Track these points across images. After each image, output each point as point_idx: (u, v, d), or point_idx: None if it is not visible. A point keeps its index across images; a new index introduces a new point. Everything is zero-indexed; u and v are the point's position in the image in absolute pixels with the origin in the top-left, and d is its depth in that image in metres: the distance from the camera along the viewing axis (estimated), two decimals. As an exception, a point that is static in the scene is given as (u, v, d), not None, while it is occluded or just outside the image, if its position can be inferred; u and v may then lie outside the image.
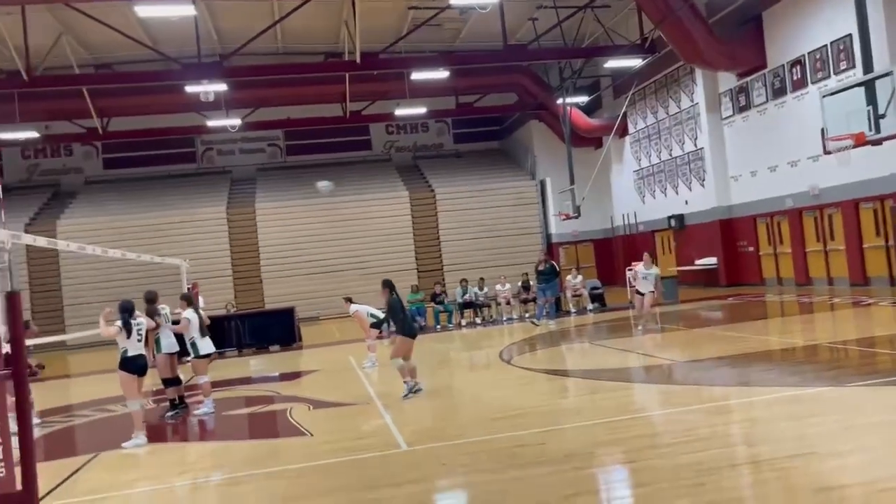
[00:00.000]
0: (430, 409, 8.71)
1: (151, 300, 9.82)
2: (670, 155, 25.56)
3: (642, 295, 14.03)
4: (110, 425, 9.80)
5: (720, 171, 22.95)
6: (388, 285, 9.79)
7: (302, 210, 30.03)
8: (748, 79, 21.36)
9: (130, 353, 8.32)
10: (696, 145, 23.90)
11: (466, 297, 20.33)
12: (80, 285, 27.20)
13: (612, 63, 24.61)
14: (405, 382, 9.25)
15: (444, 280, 25.99)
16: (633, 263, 22.88)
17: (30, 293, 26.36)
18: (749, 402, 7.61)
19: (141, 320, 8.68)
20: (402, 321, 9.60)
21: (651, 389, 8.89)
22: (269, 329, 18.93)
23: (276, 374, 13.99)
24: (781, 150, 20.10)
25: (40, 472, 5.59)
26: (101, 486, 6.66)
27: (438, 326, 19.64)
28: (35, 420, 6.73)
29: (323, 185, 9.89)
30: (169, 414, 9.76)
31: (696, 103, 23.56)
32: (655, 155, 26.67)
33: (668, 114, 25.44)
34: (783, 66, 19.88)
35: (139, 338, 8.44)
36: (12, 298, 5.29)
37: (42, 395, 12.87)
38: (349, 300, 13.88)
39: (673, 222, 25.14)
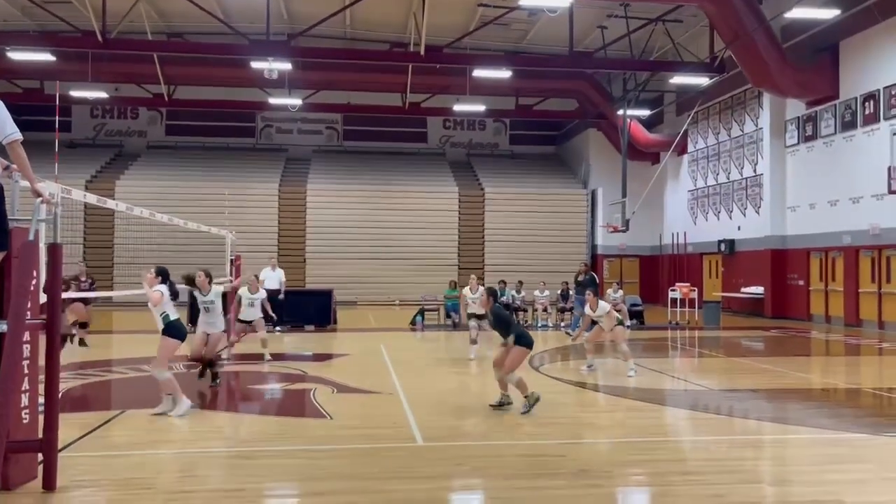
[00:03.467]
0: (451, 408, 8.65)
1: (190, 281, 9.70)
2: (728, 178, 24.99)
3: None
4: (141, 384, 10.00)
5: (778, 199, 22.34)
6: (492, 293, 8.62)
7: (352, 195, 30.26)
8: (818, 108, 20.73)
9: (173, 318, 8.02)
10: (755, 171, 23.31)
11: (503, 298, 20.17)
12: (130, 245, 27.85)
13: (679, 79, 24.17)
14: (525, 397, 8.04)
15: (483, 280, 25.91)
16: (676, 284, 22.53)
17: (83, 248, 27.15)
18: (781, 439, 7.36)
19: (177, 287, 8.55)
20: (518, 331, 8.26)
21: (680, 414, 8.67)
22: (307, 309, 19.11)
23: (308, 353, 14.11)
24: (845, 184, 19.46)
25: (65, 424, 5.72)
26: (121, 443, 6.77)
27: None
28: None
29: None
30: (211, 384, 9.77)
31: (761, 128, 22.97)
32: (713, 177, 26.10)
33: (730, 136, 24.87)
34: (856, 98, 19.23)
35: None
36: (54, 250, 5.41)
37: (82, 349, 13.21)
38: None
39: (723, 247, 24.59)
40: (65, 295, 10.31)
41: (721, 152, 25.52)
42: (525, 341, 8.15)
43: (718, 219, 25.67)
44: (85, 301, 12.75)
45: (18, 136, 5.05)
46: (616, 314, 11.45)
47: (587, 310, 11.50)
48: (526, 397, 7.98)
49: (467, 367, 12.11)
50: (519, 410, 8.08)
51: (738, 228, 24.23)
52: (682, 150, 27.60)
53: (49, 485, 5.21)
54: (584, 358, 12.13)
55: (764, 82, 20.60)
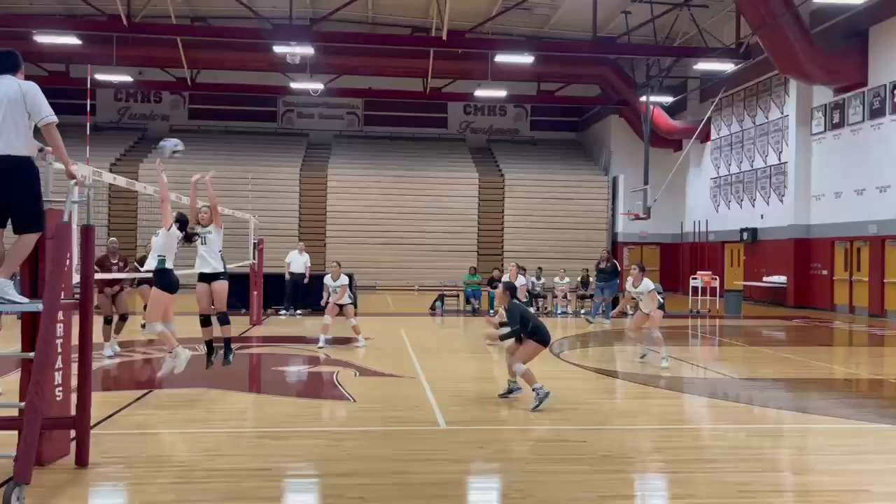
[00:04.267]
0: (473, 392, 8.71)
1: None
2: (751, 166, 24.73)
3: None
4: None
5: (802, 188, 22.09)
6: (509, 288, 8.27)
7: (372, 180, 30.34)
8: (845, 95, 20.42)
9: (168, 266, 7.59)
10: (780, 159, 23.05)
11: (523, 285, 20.18)
12: (153, 227, 28.17)
13: (703, 65, 23.88)
14: (533, 389, 7.65)
15: (503, 266, 25.90)
16: (698, 272, 22.40)
17: (108, 230, 27.48)
18: (803, 428, 7.35)
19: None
20: (534, 326, 8.02)
21: (701, 402, 8.66)
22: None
23: (329, 337, 14.20)
24: (872, 173, 19.19)
25: (95, 402, 5.83)
26: (149, 422, 6.91)
27: (492, 311, 19.57)
28: None
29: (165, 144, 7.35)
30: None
31: (786, 115, 22.68)
32: (736, 164, 25.84)
33: (754, 123, 24.59)
34: (885, 85, 18.92)
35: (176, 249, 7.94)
36: (86, 232, 5.50)
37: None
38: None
39: (745, 235, 24.39)
40: (118, 276, 10.41)
41: (745, 140, 25.24)
42: (540, 337, 7.91)
43: (741, 207, 25.43)
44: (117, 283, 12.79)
45: (54, 118, 5.15)
46: (658, 296, 11.01)
47: (629, 286, 11.22)
48: (534, 390, 7.59)
49: (488, 353, 12.16)
50: (528, 399, 8.09)
51: (762, 217, 24.00)
52: (705, 137, 27.33)
53: (82, 461, 5.35)
54: (605, 345, 12.14)
55: (791, 69, 20.32)
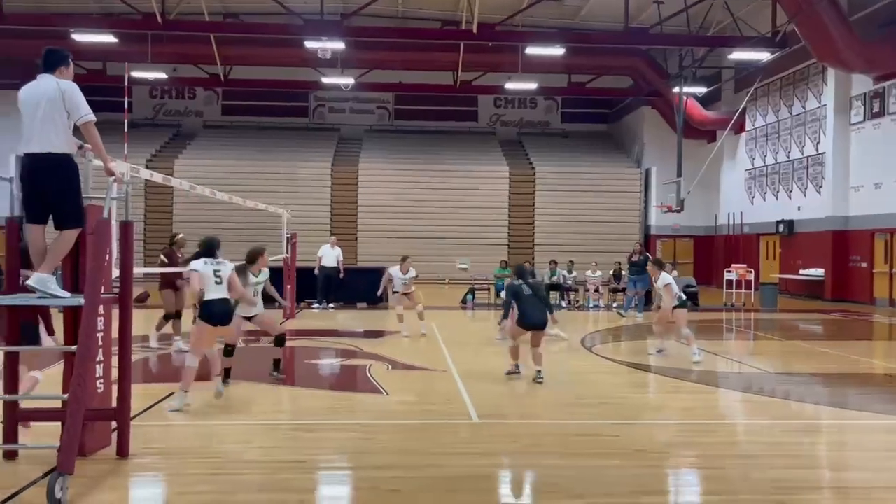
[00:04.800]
0: (505, 386, 8.72)
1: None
2: (787, 157, 24.29)
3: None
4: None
5: (840, 179, 21.64)
6: (518, 272, 9.16)
7: (403, 174, 30.42)
8: (886, 84, 19.93)
9: (209, 297, 7.17)
10: (817, 149, 22.59)
11: (554, 278, 20.12)
12: (188, 222, 28.59)
13: (738, 55, 23.47)
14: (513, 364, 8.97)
15: (533, 259, 25.84)
16: (732, 265, 22.10)
17: (144, 225, 28.00)
18: (841, 424, 7.23)
19: (224, 266, 7.43)
20: (521, 309, 8.75)
21: (736, 397, 8.56)
22: (359, 286, 19.33)
23: (360, 330, 14.33)
24: (913, 163, 18.72)
25: (133, 394, 5.95)
26: (186, 414, 7.03)
27: (500, 323, 19.54)
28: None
29: None
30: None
31: (824, 105, 22.21)
32: (771, 155, 25.40)
33: (791, 113, 24.13)
34: (928, 73, 18.43)
35: (217, 280, 7.24)
36: (126, 227, 5.62)
37: (143, 322, 13.67)
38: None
39: (782, 227, 23.98)
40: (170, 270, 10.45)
41: (781, 130, 24.79)
42: (522, 321, 8.80)
43: (777, 198, 25.00)
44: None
45: (92, 117, 5.27)
46: (677, 293, 10.88)
47: (654, 282, 11.27)
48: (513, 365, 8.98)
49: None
50: (558, 392, 8.17)
51: (798, 208, 23.57)
52: (739, 128, 26.89)
53: (122, 452, 5.47)
54: (638, 339, 12.05)
55: (829, 57, 19.89)
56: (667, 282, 10.80)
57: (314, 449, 5.96)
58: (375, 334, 13.47)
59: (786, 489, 5.02)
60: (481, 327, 15.95)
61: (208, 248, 7.51)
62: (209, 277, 7.20)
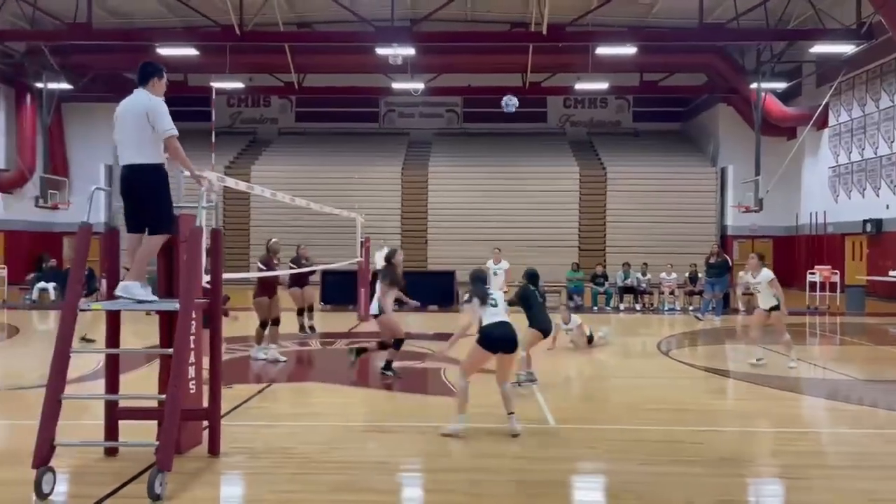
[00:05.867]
0: (582, 391, 8.68)
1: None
2: (875, 153, 23.24)
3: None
4: (283, 359, 10.63)
5: (934, 175, 20.58)
6: (527, 276, 9.00)
7: (472, 176, 30.51)
8: (983, 74, 18.86)
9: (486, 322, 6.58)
10: (907, 145, 21.55)
11: (628, 281, 19.85)
12: (265, 227, 29.45)
13: (820, 48, 22.61)
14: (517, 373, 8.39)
15: (605, 261, 25.51)
16: (815, 266, 21.29)
17: (223, 230, 28.95)
18: (938, 435, 6.90)
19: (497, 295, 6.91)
20: (531, 314, 8.65)
21: (822, 404, 8.28)
22: (430, 289, 19.51)
23: (431, 332, 14.45)
24: None
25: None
26: (269, 414, 7.28)
27: (596, 308, 19.36)
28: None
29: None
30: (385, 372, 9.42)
31: (915, 98, 21.17)
32: (857, 151, 24.35)
33: (878, 108, 23.08)
34: None
35: (493, 303, 6.67)
36: (216, 234, 5.88)
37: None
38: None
39: (869, 227, 22.95)
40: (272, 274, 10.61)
41: (868, 125, 23.74)
42: (534, 324, 8.52)
43: (863, 197, 23.95)
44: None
45: (174, 132, 5.62)
46: (778, 290, 10.27)
47: (747, 277, 10.62)
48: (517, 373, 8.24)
49: (592, 351, 12.04)
50: (626, 401, 8.00)
51: (887, 207, 22.50)
52: (822, 123, 25.88)
53: (213, 450, 5.72)
54: (716, 343, 11.76)
55: (918, 48, 18.96)
56: (770, 277, 10.22)
57: (393, 450, 6.08)
58: (447, 337, 13.55)
59: (878, 501, 4.85)
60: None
61: (477, 278, 7.03)
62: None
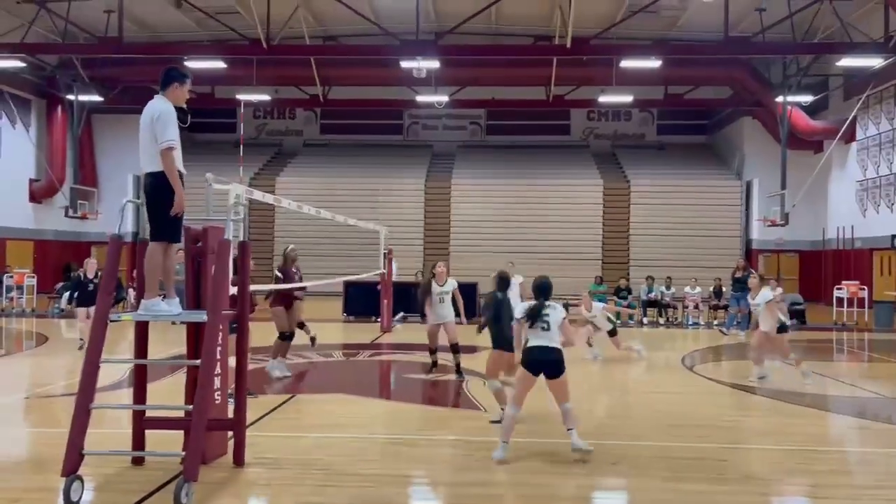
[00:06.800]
0: (604, 406, 8.63)
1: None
2: (904, 167, 22.92)
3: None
4: (307, 370, 10.69)
5: (965, 190, 20.23)
6: (500, 279, 7.77)
7: (495, 189, 30.53)
8: None
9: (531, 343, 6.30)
10: (938, 159, 21.21)
11: (652, 295, 19.72)
12: (289, 238, 29.67)
13: (847, 61, 22.37)
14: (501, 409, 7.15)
15: (629, 275, 25.36)
16: (843, 282, 20.99)
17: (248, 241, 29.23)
18: (969, 456, 6.77)
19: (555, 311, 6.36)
20: (495, 331, 7.52)
21: (849, 423, 8.16)
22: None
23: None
24: None
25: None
26: (294, 425, 7.33)
27: (619, 321, 19.22)
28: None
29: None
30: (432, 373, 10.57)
31: (945, 112, 20.86)
32: (886, 165, 24.03)
33: (907, 121, 22.78)
34: None
35: (544, 326, 6.25)
36: (244, 247, 5.96)
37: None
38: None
39: (898, 242, 22.62)
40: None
41: (896, 139, 23.43)
42: (498, 343, 7.47)
43: (892, 211, 23.60)
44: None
45: (170, 145, 5.45)
46: (777, 313, 10.18)
47: (749, 298, 10.61)
48: (502, 409, 6.92)
49: (615, 365, 11.97)
50: (658, 421, 7.91)
51: (916, 222, 22.18)
52: (849, 137, 25.59)
53: (238, 460, 5.78)
54: (740, 358, 11.63)
55: (949, 62, 18.70)
56: (767, 299, 10.07)
57: (416, 464, 6.09)
58: (469, 349, 13.57)
59: (909, 524, 4.77)
60: (577, 345, 15.78)
61: (542, 290, 6.42)
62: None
